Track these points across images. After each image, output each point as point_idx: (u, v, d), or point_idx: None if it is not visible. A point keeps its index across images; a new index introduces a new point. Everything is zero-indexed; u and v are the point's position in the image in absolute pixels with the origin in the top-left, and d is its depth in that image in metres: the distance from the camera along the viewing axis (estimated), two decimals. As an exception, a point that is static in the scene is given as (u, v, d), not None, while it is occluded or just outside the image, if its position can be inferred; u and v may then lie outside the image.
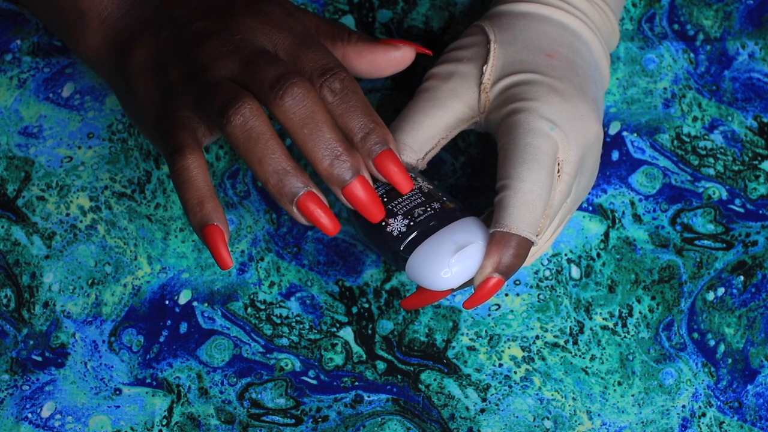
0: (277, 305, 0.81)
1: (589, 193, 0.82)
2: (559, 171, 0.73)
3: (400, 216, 0.72)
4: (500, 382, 0.79)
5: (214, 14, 0.72)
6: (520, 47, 0.75)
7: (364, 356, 0.80)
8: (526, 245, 0.71)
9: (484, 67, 0.75)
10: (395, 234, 0.71)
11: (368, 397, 0.79)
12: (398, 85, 0.83)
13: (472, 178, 0.82)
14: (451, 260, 0.70)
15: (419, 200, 0.72)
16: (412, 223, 0.71)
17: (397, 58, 0.74)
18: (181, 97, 0.70)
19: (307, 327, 0.80)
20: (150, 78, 0.72)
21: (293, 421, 0.79)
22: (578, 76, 0.75)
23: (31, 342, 0.80)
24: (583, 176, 0.75)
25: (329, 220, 0.70)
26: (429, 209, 0.72)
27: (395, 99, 0.83)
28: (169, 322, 0.81)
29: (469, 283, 0.72)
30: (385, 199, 0.72)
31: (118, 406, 0.80)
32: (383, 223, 0.72)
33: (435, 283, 0.71)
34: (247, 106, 0.68)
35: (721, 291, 0.81)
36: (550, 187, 0.72)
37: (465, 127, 0.76)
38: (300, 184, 0.69)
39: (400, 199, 0.72)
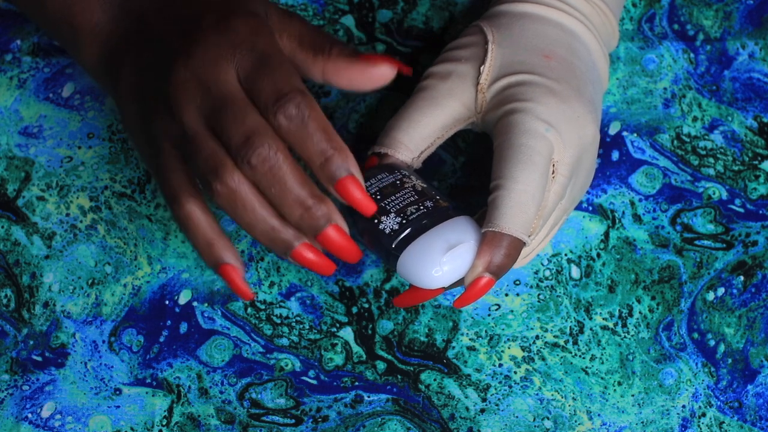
0: (277, 305, 0.81)
1: (589, 193, 0.82)
2: (554, 172, 0.73)
3: (392, 213, 0.72)
4: (500, 382, 0.79)
5: (185, 33, 0.71)
6: (517, 48, 0.75)
7: (364, 356, 0.80)
8: (517, 245, 0.71)
9: (482, 68, 0.75)
10: (387, 231, 0.71)
11: (368, 397, 0.79)
12: (398, 85, 0.83)
13: (472, 177, 0.82)
14: (442, 259, 0.70)
15: (412, 198, 0.72)
16: (404, 221, 0.71)
17: (375, 75, 0.72)
18: (162, 131, 0.71)
19: (307, 327, 0.80)
20: (134, 105, 0.73)
21: (293, 421, 0.79)
22: (576, 77, 0.75)
23: (31, 342, 0.80)
24: (578, 178, 0.75)
25: (324, 263, 0.71)
26: (422, 207, 0.72)
27: (395, 99, 0.83)
28: (169, 322, 0.81)
29: (461, 281, 0.72)
30: (379, 197, 0.72)
31: (118, 406, 0.80)
32: (376, 221, 0.72)
33: (426, 282, 0.71)
34: (229, 177, 0.68)
35: (721, 291, 0.81)
36: (543, 188, 0.72)
37: (462, 127, 0.76)
38: (291, 238, 0.70)
39: (393, 197, 0.72)
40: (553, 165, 0.73)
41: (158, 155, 0.71)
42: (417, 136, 0.75)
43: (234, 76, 0.70)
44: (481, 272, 0.71)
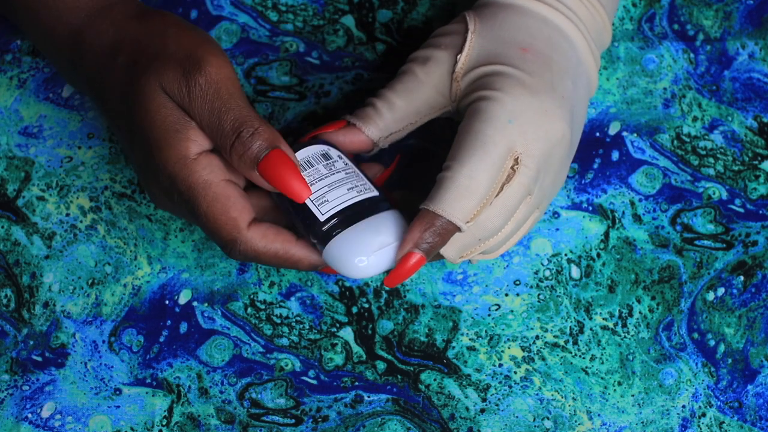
0: (277, 305, 0.81)
1: (589, 193, 0.82)
2: (517, 164, 0.72)
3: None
4: (500, 382, 0.79)
5: (133, 159, 0.74)
6: (496, 39, 0.75)
7: (364, 356, 0.80)
8: (450, 229, 0.71)
9: (458, 56, 0.75)
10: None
11: (368, 397, 0.79)
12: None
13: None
14: (368, 252, 0.71)
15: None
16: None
17: (262, 185, 0.73)
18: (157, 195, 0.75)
19: (307, 327, 0.80)
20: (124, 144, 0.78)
21: (293, 421, 0.79)
22: (551, 72, 0.74)
23: (31, 342, 0.80)
24: (548, 174, 0.74)
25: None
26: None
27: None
28: (169, 322, 0.81)
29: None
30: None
31: (118, 406, 0.80)
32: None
33: (351, 272, 0.71)
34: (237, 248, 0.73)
35: (721, 291, 0.81)
36: (492, 177, 0.71)
37: (437, 114, 0.76)
38: (314, 259, 0.73)
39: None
40: (517, 158, 0.72)
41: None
42: (389, 118, 0.75)
43: (184, 210, 0.73)
44: (410, 249, 0.71)
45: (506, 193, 0.72)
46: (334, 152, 0.74)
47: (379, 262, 0.71)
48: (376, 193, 0.73)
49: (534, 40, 0.75)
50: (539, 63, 0.74)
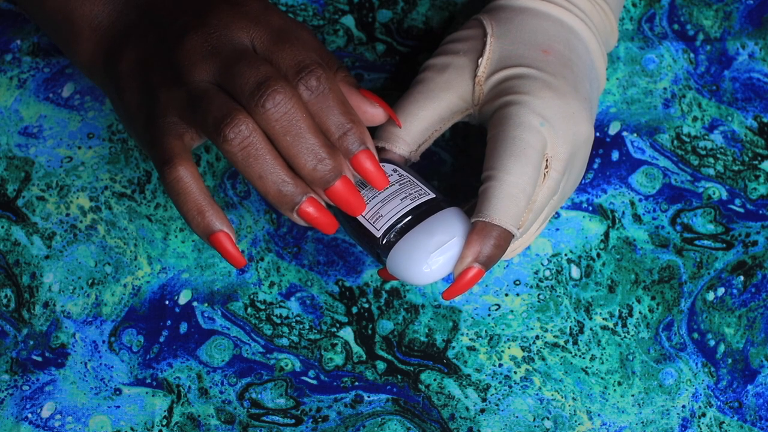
0: (277, 305, 0.81)
1: (589, 193, 0.82)
2: (547, 167, 0.73)
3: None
4: (500, 382, 0.79)
5: (196, 13, 0.71)
6: (516, 41, 0.75)
7: (364, 356, 0.80)
8: (507, 237, 0.71)
9: (480, 60, 0.75)
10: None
11: (368, 397, 0.79)
12: (399, 85, 0.83)
13: (473, 177, 0.82)
14: (431, 255, 0.70)
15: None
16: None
17: (368, 112, 0.73)
18: (165, 102, 0.70)
19: (307, 327, 0.80)
20: (136, 83, 0.72)
21: (293, 421, 0.79)
22: (573, 73, 0.75)
23: (31, 342, 0.80)
24: (571, 174, 0.75)
25: (328, 220, 0.71)
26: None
27: (396, 100, 0.83)
28: (169, 322, 0.81)
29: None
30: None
31: (118, 406, 0.80)
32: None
33: (417, 279, 0.71)
34: (242, 122, 0.68)
35: (721, 291, 0.81)
36: (535, 181, 0.72)
37: (459, 119, 0.76)
38: (299, 192, 0.70)
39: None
40: (547, 160, 0.73)
41: (155, 123, 0.70)
42: (414, 130, 0.75)
43: (249, 43, 0.70)
44: (470, 263, 0.71)
45: (537, 196, 0.72)
46: (388, 167, 0.74)
47: (438, 262, 0.71)
48: (431, 195, 0.73)
49: (553, 42, 0.75)
50: (560, 65, 0.74)
